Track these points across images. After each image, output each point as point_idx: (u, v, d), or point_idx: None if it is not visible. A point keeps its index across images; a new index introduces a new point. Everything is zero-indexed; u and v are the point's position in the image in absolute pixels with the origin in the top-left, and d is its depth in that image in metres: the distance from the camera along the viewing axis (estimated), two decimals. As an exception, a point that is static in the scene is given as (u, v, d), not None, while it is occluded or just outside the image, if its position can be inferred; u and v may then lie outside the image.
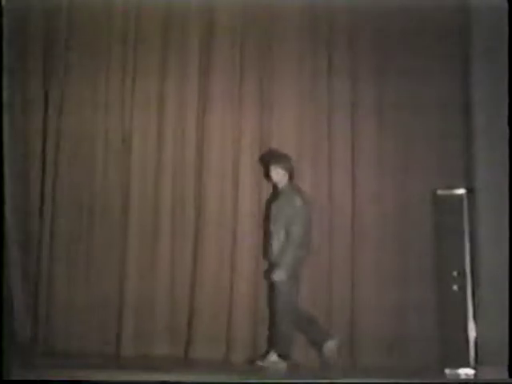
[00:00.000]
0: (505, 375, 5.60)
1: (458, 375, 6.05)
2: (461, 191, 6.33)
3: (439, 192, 6.41)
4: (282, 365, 6.11)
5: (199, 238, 6.71)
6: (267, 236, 6.37)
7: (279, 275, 6.06)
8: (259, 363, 6.18)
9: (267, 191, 6.65)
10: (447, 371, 6.11)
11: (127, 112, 6.94)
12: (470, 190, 6.29)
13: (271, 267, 6.20)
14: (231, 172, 6.78)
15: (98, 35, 7.00)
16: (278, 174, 6.29)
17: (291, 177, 6.31)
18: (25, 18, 7.03)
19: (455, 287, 6.21)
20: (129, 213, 6.79)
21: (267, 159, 6.53)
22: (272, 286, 6.22)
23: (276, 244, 6.16)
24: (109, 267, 6.75)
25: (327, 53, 6.83)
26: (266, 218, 6.46)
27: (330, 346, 6.11)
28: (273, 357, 6.15)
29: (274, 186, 6.45)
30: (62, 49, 7.00)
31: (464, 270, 6.18)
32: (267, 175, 6.48)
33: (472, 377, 5.98)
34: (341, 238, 6.61)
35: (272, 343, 6.25)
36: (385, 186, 6.62)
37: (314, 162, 6.72)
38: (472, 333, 6.14)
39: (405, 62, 6.65)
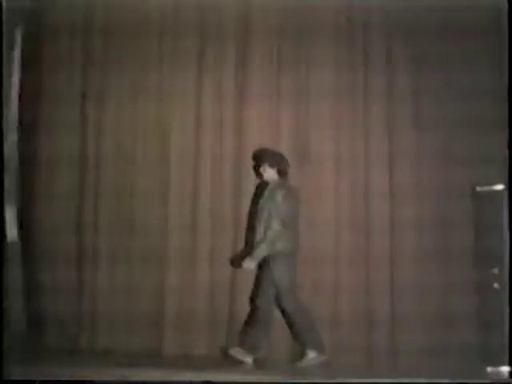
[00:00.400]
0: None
1: (500, 373, 6.03)
2: (500, 187, 6.29)
3: (478, 188, 6.40)
4: (321, 359, 6.22)
5: (239, 235, 6.76)
6: (250, 230, 6.52)
7: (247, 263, 6.22)
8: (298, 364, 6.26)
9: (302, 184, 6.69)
10: (489, 369, 6.11)
11: (165, 105, 6.96)
12: (510, 186, 6.20)
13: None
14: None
15: (136, 28, 6.98)
16: (267, 172, 6.45)
17: (281, 175, 6.43)
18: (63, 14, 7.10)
19: (496, 285, 6.16)
20: (168, 208, 6.82)
21: (258, 157, 6.67)
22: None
23: (257, 238, 6.29)
24: (150, 265, 6.78)
25: (363, 45, 6.80)
26: (250, 213, 6.61)
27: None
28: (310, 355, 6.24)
29: (265, 183, 6.54)
30: (101, 40, 7.05)
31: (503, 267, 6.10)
32: (258, 172, 6.62)
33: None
34: (378, 234, 6.60)
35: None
36: (423, 181, 6.60)
37: (352, 156, 6.72)
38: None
39: (442, 50, 6.61)
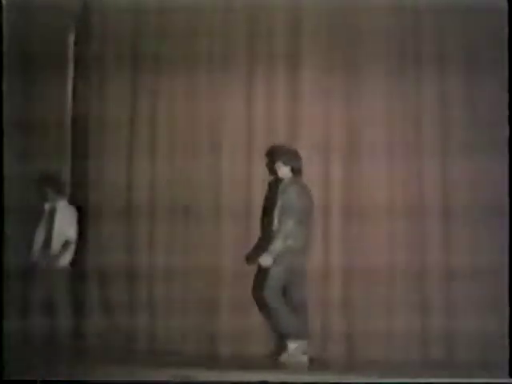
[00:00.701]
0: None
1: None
2: None
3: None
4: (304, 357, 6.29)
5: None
6: (264, 226, 6.66)
7: (264, 259, 6.27)
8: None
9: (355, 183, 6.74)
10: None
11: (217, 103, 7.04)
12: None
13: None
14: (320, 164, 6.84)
15: (188, 29, 7.11)
16: (281, 169, 6.53)
17: (296, 172, 6.50)
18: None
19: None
20: (221, 208, 6.94)
21: (272, 154, 6.76)
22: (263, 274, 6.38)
23: (272, 234, 6.37)
24: (205, 264, 6.88)
25: (414, 44, 6.79)
26: (264, 209, 6.78)
27: (293, 348, 6.28)
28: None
29: (278, 180, 6.61)
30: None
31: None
32: (272, 169, 6.71)
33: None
34: (432, 228, 6.64)
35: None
36: (477, 176, 6.56)
37: (404, 152, 6.73)
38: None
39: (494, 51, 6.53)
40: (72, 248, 7.05)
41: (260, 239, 6.80)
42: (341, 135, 6.84)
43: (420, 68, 6.75)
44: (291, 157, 6.54)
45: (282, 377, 5.69)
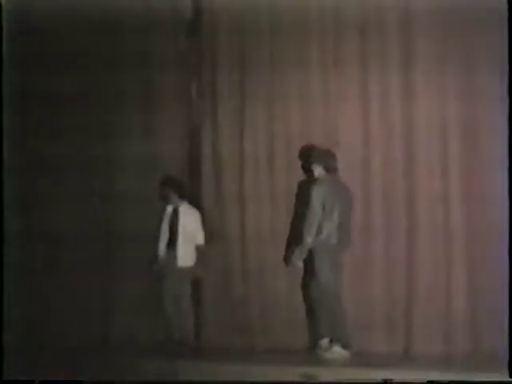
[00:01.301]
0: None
1: None
2: None
3: None
4: (346, 354, 6.46)
5: (412, 232, 6.81)
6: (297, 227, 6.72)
7: (294, 261, 6.53)
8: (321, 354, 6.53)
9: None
10: None
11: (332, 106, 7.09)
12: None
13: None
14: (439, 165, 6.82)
15: (296, 30, 7.11)
16: (315, 169, 6.65)
17: (330, 171, 6.61)
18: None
19: None
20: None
21: (305, 155, 6.93)
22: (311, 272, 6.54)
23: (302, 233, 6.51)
24: None
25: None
26: (296, 210, 6.96)
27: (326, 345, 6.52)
28: (335, 348, 6.47)
29: (313, 180, 6.72)
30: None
31: None
32: (307, 170, 6.86)
33: None
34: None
35: (330, 333, 6.53)
36: None
37: None
38: None
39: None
40: (200, 251, 7.23)
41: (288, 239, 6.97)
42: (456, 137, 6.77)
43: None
44: (323, 156, 6.63)
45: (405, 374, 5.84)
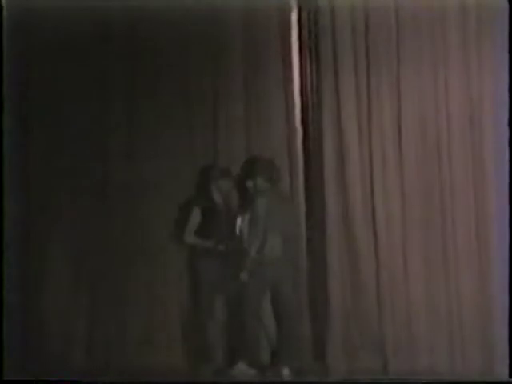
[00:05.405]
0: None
1: None
2: None
3: None
4: (251, 372, 6.47)
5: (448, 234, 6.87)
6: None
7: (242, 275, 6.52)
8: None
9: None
10: None
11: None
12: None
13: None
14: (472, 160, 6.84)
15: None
16: (256, 181, 6.65)
17: (271, 182, 6.67)
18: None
19: None
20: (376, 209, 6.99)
21: (247, 167, 6.88)
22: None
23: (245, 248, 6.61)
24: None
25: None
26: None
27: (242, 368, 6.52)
28: (240, 365, 6.52)
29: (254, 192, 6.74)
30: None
31: None
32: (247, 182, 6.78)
33: None
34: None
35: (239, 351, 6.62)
36: None
37: None
38: None
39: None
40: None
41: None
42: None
43: None
44: (266, 167, 6.65)
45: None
